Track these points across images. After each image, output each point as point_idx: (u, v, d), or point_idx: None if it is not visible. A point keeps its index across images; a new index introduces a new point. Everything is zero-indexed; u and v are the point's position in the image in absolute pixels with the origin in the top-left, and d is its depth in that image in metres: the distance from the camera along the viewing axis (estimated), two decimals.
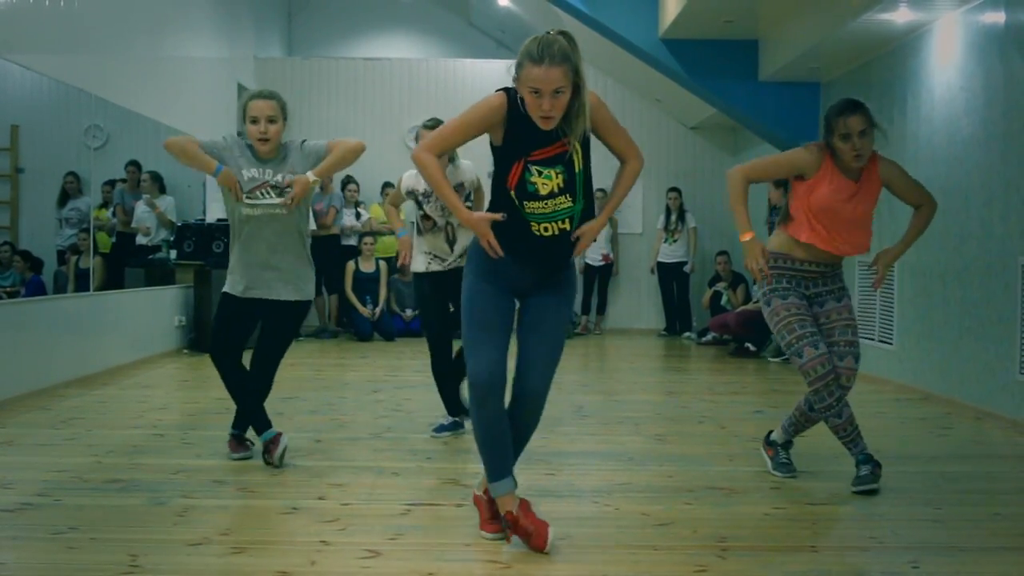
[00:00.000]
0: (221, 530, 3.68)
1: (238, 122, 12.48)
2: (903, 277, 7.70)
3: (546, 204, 3.40)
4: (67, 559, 3.36)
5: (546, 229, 3.42)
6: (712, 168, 13.28)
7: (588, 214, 3.53)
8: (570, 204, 3.43)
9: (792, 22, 8.64)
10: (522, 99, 3.37)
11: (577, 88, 3.37)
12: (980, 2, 6.61)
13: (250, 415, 4.83)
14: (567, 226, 3.45)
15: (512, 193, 3.41)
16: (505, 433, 3.53)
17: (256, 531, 3.76)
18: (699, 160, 13.33)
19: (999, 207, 6.31)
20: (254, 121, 4.60)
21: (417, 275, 5.57)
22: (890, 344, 7.92)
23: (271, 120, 4.60)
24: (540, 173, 3.39)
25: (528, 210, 3.40)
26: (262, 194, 4.59)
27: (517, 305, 3.61)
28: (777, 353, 9.59)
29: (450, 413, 5.60)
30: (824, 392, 4.36)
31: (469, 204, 5.50)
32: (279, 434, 4.73)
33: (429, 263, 5.48)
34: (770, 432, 4.87)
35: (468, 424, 5.38)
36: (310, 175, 4.60)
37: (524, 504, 3.53)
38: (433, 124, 5.39)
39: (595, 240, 3.45)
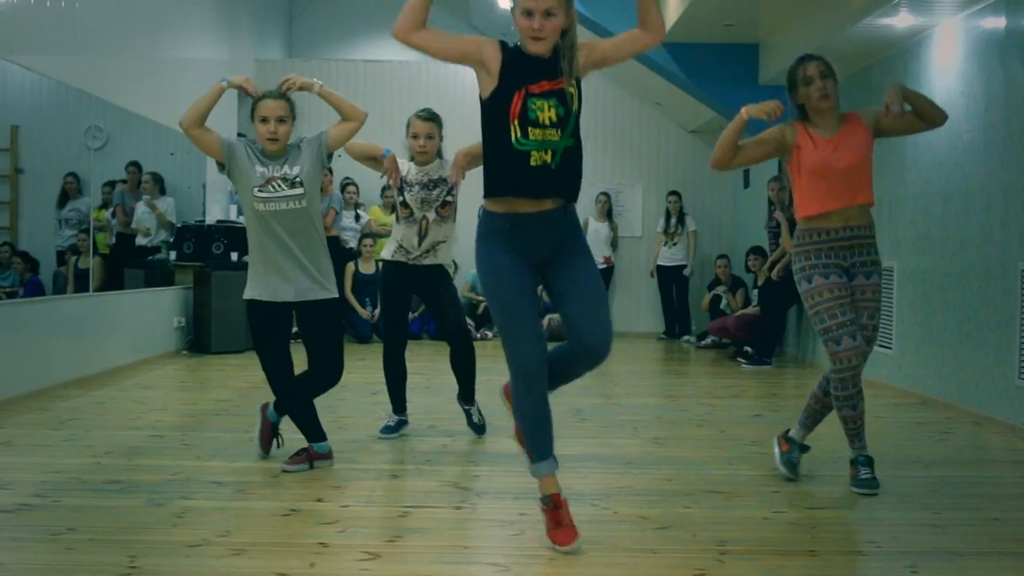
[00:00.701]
0: (220, 532, 3.68)
1: (238, 124, 12.50)
2: (902, 282, 7.71)
3: (545, 132, 3.45)
4: (65, 560, 3.36)
5: (540, 158, 3.45)
6: (712, 172, 13.18)
7: (576, 155, 3.53)
8: (557, 138, 3.46)
9: (793, 26, 8.65)
10: (515, 45, 3.47)
11: (567, 28, 3.44)
12: (981, 7, 6.61)
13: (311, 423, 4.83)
14: (549, 159, 3.45)
15: (515, 123, 3.44)
16: (550, 414, 3.61)
17: (255, 533, 3.75)
18: (699, 164, 13.32)
19: (999, 212, 6.31)
20: (264, 120, 4.59)
21: (383, 263, 5.53)
22: (889, 348, 7.92)
23: (281, 120, 4.61)
24: (538, 105, 3.44)
25: (531, 137, 3.43)
26: (274, 187, 4.59)
27: (540, 288, 3.67)
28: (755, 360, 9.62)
29: (396, 412, 5.58)
30: (849, 382, 4.36)
31: (451, 198, 5.42)
32: (330, 452, 4.80)
33: (395, 252, 5.43)
34: (788, 429, 4.84)
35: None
36: (316, 80, 4.69)
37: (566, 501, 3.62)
38: (427, 114, 5.39)
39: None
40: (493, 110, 3.48)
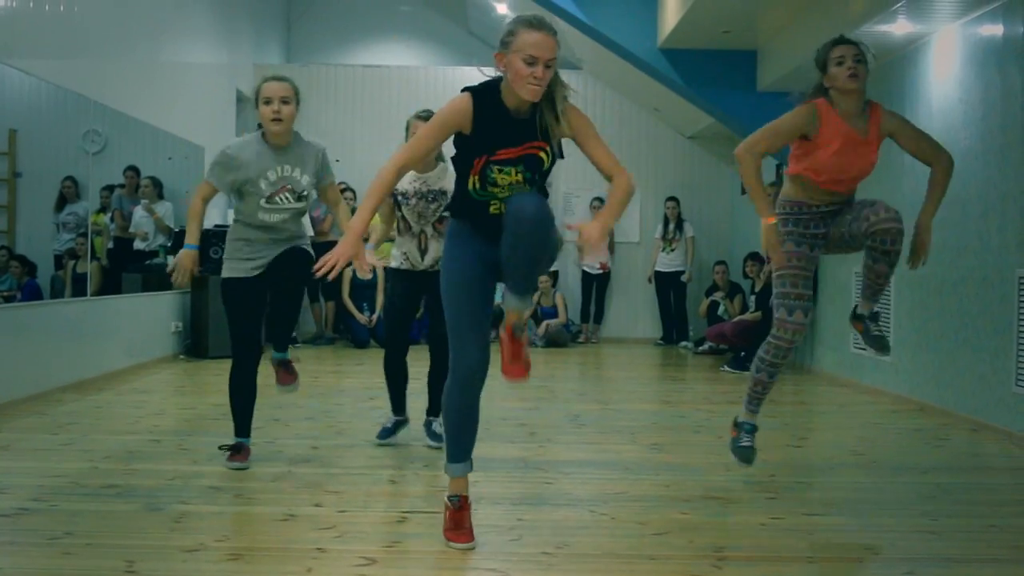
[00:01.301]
0: (217, 537, 3.68)
1: (236, 128, 12.49)
2: (900, 288, 7.71)
3: (504, 190, 3.48)
4: (63, 565, 3.36)
5: (499, 208, 3.49)
6: (710, 178, 13.32)
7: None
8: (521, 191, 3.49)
9: (791, 33, 8.66)
10: (491, 90, 3.43)
11: (555, 80, 3.44)
12: (978, 15, 6.63)
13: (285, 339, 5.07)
14: None
15: (475, 176, 3.47)
16: (477, 419, 3.70)
17: (252, 538, 3.75)
18: (697, 170, 13.35)
19: (996, 219, 6.32)
20: (267, 102, 4.60)
21: (390, 270, 5.51)
22: (887, 355, 7.91)
23: (285, 101, 4.61)
24: (501, 170, 3.45)
25: (489, 191, 3.48)
26: (282, 200, 4.66)
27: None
28: (737, 365, 9.64)
29: (395, 412, 5.57)
30: (783, 352, 4.40)
31: (448, 214, 5.41)
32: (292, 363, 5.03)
33: (401, 263, 5.43)
34: (738, 416, 4.78)
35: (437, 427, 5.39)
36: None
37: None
38: (427, 115, 5.32)
39: (601, 243, 3.38)
40: (460, 152, 3.51)
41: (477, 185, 3.47)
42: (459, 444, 3.69)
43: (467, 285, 3.55)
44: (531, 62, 3.34)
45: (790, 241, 4.39)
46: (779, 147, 4.49)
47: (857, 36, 7.23)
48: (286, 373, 5.08)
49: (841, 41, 4.36)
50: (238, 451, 4.82)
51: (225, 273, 4.78)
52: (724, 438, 5.93)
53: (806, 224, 4.39)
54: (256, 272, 4.76)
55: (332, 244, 11.78)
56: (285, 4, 15.02)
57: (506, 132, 3.44)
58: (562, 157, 3.59)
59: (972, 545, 3.79)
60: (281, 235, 4.78)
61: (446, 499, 3.72)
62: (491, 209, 3.51)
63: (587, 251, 3.43)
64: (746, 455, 4.65)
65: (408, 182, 5.31)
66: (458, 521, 3.66)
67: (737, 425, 4.69)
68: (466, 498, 3.70)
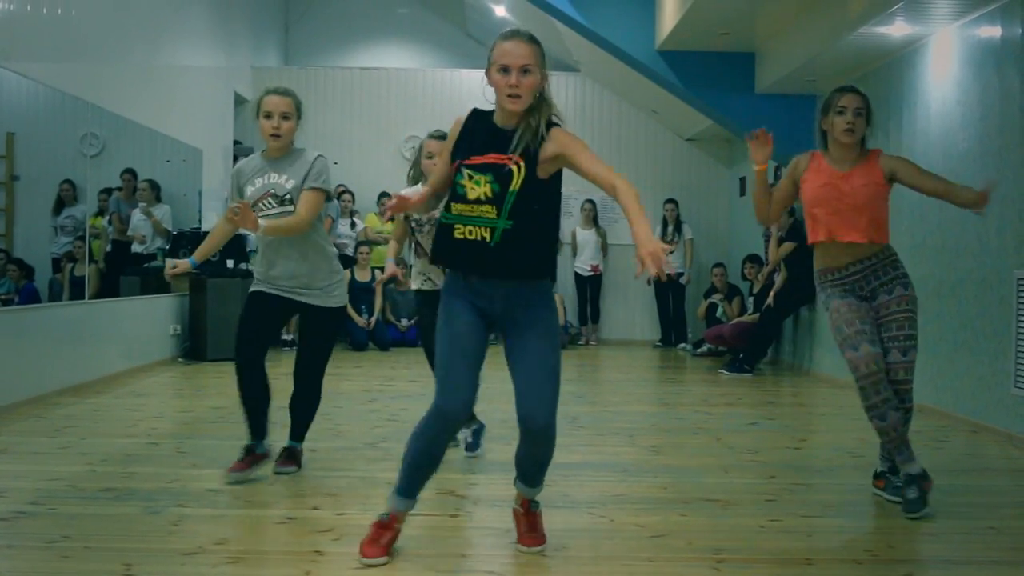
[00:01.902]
0: (215, 540, 3.67)
1: (235, 130, 12.49)
2: None
3: (472, 208, 3.36)
4: (61, 568, 3.35)
5: (470, 232, 3.36)
6: (708, 180, 13.32)
7: (523, 240, 3.35)
8: (493, 216, 3.34)
9: (789, 35, 8.67)
10: (490, 110, 3.42)
11: (540, 100, 3.39)
12: (976, 16, 6.63)
13: (303, 427, 4.90)
14: (487, 236, 3.34)
15: (447, 199, 3.45)
16: (439, 462, 3.52)
17: (251, 541, 3.75)
18: (695, 172, 13.36)
19: (994, 221, 6.32)
20: (268, 116, 4.55)
21: (417, 292, 5.54)
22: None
23: (285, 116, 4.56)
24: (471, 177, 3.36)
25: (454, 211, 3.39)
26: (264, 205, 4.57)
27: (492, 337, 3.55)
28: (736, 368, 9.63)
29: (468, 424, 5.54)
30: (871, 390, 4.24)
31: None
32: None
33: (423, 283, 5.44)
34: (876, 470, 4.65)
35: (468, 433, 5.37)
36: (262, 224, 4.38)
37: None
38: (439, 135, 5.33)
39: (667, 254, 3.19)
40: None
41: (449, 205, 3.41)
42: (413, 481, 3.52)
43: (459, 329, 3.43)
44: (505, 70, 3.33)
45: (835, 299, 4.39)
46: (791, 190, 4.51)
47: (856, 37, 7.29)
48: (289, 460, 4.86)
49: (849, 90, 4.37)
50: (245, 454, 4.67)
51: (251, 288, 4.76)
52: (723, 440, 5.95)
53: (843, 289, 4.40)
54: (276, 291, 4.64)
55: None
56: (283, 7, 15.03)
57: (484, 140, 3.40)
58: (543, 179, 3.39)
59: (971, 547, 3.79)
60: (292, 250, 4.58)
61: (377, 515, 3.56)
62: (455, 233, 3.37)
63: (652, 264, 3.15)
64: (917, 507, 4.20)
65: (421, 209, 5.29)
66: (377, 537, 3.49)
67: (903, 483, 4.33)
68: (395, 519, 3.54)
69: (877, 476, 4.60)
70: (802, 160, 4.47)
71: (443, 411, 3.37)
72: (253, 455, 4.67)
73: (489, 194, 3.33)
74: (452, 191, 3.41)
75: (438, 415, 3.39)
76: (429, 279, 5.42)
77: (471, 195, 3.35)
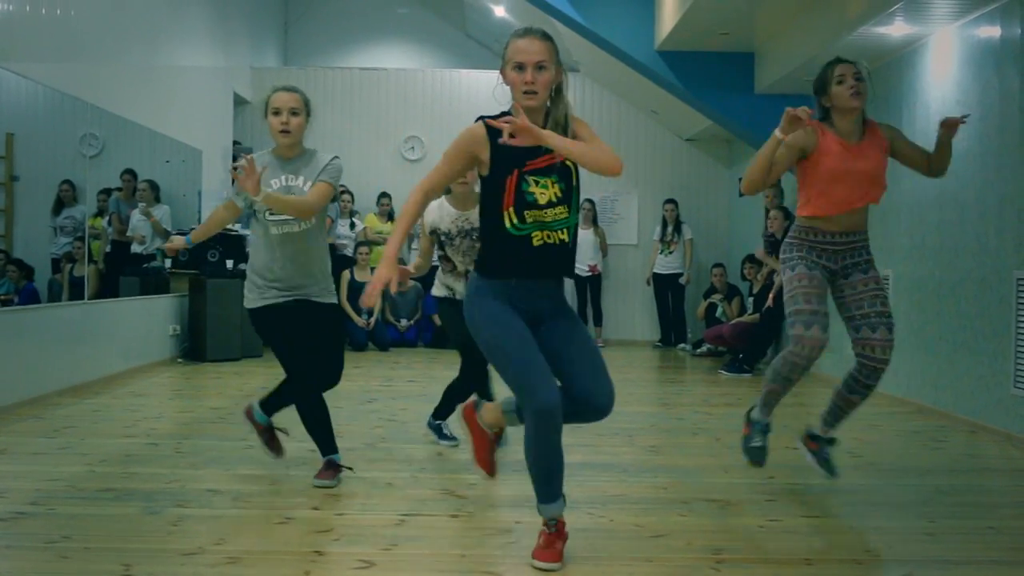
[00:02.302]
0: (215, 540, 3.67)
1: (234, 130, 12.49)
2: (898, 290, 7.72)
3: (545, 213, 3.37)
4: (60, 568, 3.35)
5: (548, 236, 3.39)
6: (708, 180, 13.33)
7: (577, 233, 3.51)
8: (567, 215, 3.41)
9: (788, 35, 8.67)
10: (504, 115, 3.35)
11: (558, 91, 3.44)
12: (975, 16, 6.63)
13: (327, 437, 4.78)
14: (566, 237, 3.42)
15: (510, 210, 3.36)
16: (563, 457, 3.45)
17: (250, 541, 3.74)
18: (695, 172, 13.36)
19: (994, 221, 6.33)
20: (276, 113, 4.50)
21: (437, 298, 5.51)
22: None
23: (294, 112, 4.51)
24: (537, 183, 3.36)
25: (529, 219, 3.36)
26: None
27: None
28: (737, 368, 9.63)
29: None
30: (798, 369, 4.33)
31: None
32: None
33: (446, 294, 5.41)
34: (809, 429, 4.75)
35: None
36: (263, 191, 4.27)
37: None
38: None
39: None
40: (488, 187, 3.43)
41: (514, 218, 3.36)
42: (551, 484, 3.44)
43: (511, 330, 3.38)
44: (520, 68, 3.34)
45: (802, 265, 4.38)
46: (784, 166, 4.43)
47: (855, 37, 7.29)
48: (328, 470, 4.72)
49: (839, 60, 4.39)
50: (326, 468, 4.66)
51: (246, 304, 4.64)
52: (722, 440, 5.95)
53: (818, 253, 4.39)
54: (278, 300, 4.56)
55: (329, 247, 11.66)
56: (282, 7, 15.03)
57: (526, 147, 3.33)
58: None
59: (970, 547, 3.79)
60: (298, 257, 4.55)
61: (544, 523, 3.49)
62: (534, 241, 3.37)
63: (506, 125, 3.19)
64: (757, 455, 4.65)
65: (450, 221, 5.21)
66: (551, 542, 3.46)
67: (750, 422, 4.68)
68: (562, 522, 3.49)
69: (812, 438, 4.70)
70: (809, 136, 4.35)
71: (544, 409, 3.30)
72: (336, 466, 4.69)
73: (559, 194, 3.39)
74: (519, 201, 3.36)
75: (541, 415, 3.30)
76: (449, 288, 5.39)
77: (543, 199, 3.36)
